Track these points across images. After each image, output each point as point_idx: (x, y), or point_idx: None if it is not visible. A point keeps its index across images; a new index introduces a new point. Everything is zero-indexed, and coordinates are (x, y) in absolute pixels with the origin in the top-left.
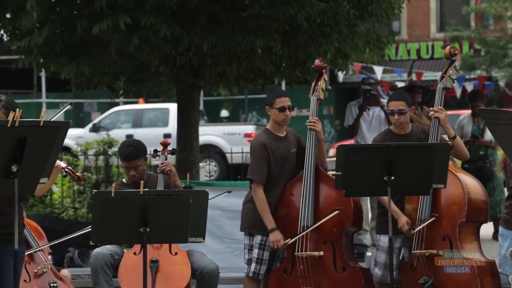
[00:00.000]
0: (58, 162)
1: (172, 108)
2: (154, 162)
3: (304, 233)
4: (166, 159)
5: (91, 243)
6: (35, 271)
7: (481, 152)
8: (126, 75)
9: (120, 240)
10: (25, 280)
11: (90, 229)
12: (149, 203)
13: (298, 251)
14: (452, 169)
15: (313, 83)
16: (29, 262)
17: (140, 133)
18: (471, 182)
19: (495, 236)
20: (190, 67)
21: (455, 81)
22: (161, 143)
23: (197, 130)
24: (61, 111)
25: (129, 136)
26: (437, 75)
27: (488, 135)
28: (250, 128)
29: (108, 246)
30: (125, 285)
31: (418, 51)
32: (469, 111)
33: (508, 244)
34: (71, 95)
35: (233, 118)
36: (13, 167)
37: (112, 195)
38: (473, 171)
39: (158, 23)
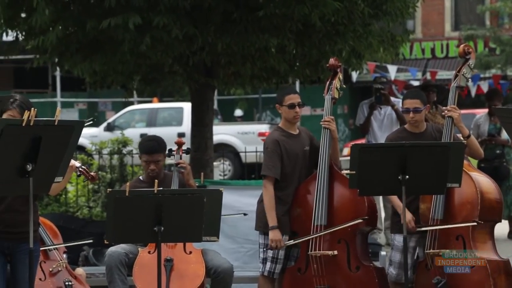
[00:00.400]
0: (72, 161)
1: (186, 107)
2: (169, 161)
3: (313, 236)
4: (180, 158)
5: (105, 242)
6: (50, 269)
7: (498, 151)
8: (140, 75)
9: (134, 239)
10: (40, 279)
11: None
12: (164, 202)
13: (312, 250)
14: (466, 168)
15: (328, 82)
16: (45, 260)
17: (154, 132)
18: (484, 181)
19: (511, 235)
20: (204, 66)
21: (469, 79)
22: (176, 143)
23: (211, 129)
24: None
25: (143, 135)
26: (452, 74)
27: (505, 134)
28: (264, 127)
29: (122, 245)
30: (140, 283)
31: (432, 50)
32: (484, 110)
33: None
34: (86, 94)
35: (247, 117)
36: (28, 166)
37: (127, 194)
38: (489, 170)
39: (170, 23)
